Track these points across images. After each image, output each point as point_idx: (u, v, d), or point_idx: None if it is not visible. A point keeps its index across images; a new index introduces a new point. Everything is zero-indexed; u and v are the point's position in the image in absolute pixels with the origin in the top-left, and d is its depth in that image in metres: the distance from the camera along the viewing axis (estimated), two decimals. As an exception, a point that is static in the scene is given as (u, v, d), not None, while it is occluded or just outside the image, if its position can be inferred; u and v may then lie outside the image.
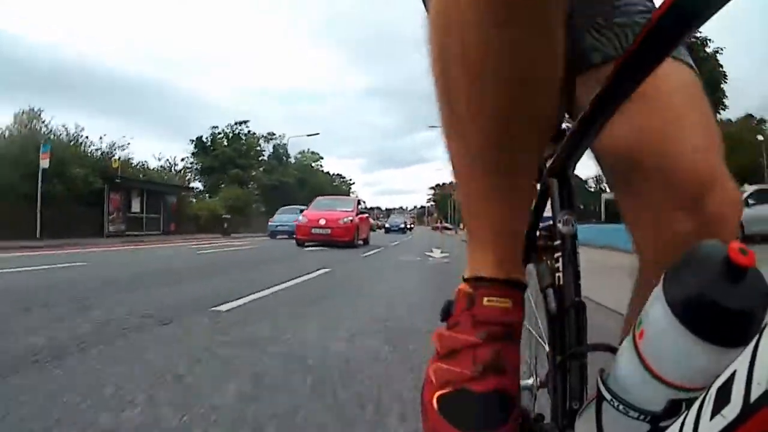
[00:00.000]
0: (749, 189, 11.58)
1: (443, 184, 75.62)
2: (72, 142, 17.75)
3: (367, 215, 14.46)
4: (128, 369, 1.96)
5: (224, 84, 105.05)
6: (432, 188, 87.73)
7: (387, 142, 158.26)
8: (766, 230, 9.26)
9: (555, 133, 0.58)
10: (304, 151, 45.53)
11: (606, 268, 5.38)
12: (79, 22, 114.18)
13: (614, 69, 0.39)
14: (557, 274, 0.55)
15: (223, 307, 3.33)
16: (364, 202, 15.39)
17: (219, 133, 33.77)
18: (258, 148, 35.62)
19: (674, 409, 0.35)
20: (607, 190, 17.49)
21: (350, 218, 11.70)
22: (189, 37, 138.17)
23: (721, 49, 23.82)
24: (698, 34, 18.94)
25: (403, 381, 1.85)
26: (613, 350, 0.44)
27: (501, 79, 0.41)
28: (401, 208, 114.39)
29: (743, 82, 49.92)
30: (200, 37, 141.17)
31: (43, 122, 18.55)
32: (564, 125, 0.63)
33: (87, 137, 18.70)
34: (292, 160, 39.57)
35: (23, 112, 18.55)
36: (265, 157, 36.14)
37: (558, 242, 0.56)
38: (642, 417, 0.38)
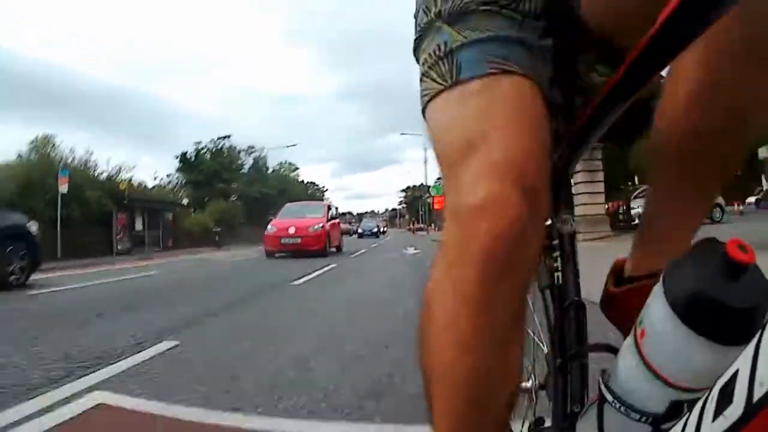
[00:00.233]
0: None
1: (413, 186, 77.60)
2: (82, 166, 18.46)
3: (338, 221, 13.59)
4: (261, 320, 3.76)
5: (198, 91, 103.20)
6: (403, 191, 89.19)
7: (357, 144, 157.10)
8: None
9: None
10: (282, 163, 47.33)
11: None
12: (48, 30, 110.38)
13: (617, 72, 0.39)
14: (556, 274, 0.56)
15: (296, 282, 5.81)
16: (336, 207, 14.71)
17: (202, 149, 35.27)
18: (239, 161, 37.35)
19: (676, 410, 0.35)
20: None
21: (320, 225, 10.89)
22: (159, 45, 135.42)
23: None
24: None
25: (406, 298, 3.97)
26: (613, 350, 0.44)
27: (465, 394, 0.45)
28: (373, 211, 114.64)
29: None
30: (169, 46, 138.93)
31: (53, 146, 18.74)
32: (563, 126, 0.62)
33: (95, 162, 19.36)
34: (270, 171, 41.33)
35: (37, 139, 18.62)
36: (245, 170, 37.87)
37: (556, 241, 0.57)
38: (644, 419, 0.37)
